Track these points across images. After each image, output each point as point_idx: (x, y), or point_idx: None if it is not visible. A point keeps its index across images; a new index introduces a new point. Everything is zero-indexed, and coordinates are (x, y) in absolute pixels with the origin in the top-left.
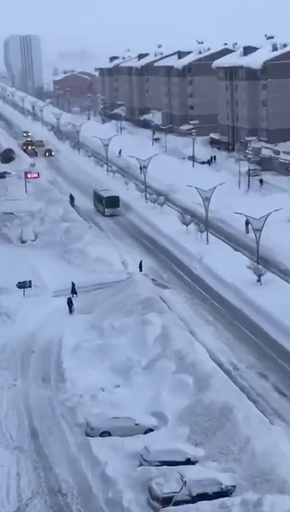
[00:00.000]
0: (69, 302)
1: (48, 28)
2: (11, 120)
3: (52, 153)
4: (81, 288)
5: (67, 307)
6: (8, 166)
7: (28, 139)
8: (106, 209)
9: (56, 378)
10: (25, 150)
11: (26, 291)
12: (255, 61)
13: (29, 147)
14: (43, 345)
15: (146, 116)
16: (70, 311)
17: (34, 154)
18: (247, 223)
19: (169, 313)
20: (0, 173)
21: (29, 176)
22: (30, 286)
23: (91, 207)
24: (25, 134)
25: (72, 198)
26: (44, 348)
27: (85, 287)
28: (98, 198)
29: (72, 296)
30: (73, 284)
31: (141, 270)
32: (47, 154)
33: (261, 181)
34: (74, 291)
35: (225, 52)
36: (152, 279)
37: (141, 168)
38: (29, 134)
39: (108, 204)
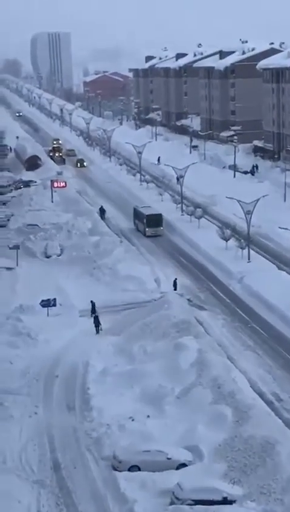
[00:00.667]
0: (96, 322)
1: (79, 24)
2: (37, 124)
3: (85, 164)
4: (110, 308)
5: (93, 327)
6: (34, 175)
7: (55, 145)
8: (147, 229)
9: (81, 406)
10: (51, 157)
11: (50, 310)
12: None
13: (57, 154)
14: (68, 369)
15: (184, 122)
16: (97, 331)
17: (61, 161)
18: None
19: (206, 337)
20: (25, 182)
21: (55, 185)
22: (54, 305)
23: (123, 220)
24: (55, 143)
25: (102, 210)
26: (68, 372)
27: (114, 306)
28: (138, 216)
29: (93, 316)
30: (93, 304)
31: (175, 289)
32: (79, 165)
33: None
34: (94, 312)
35: (271, 52)
36: (188, 299)
37: (177, 178)
38: (60, 142)
39: (149, 223)
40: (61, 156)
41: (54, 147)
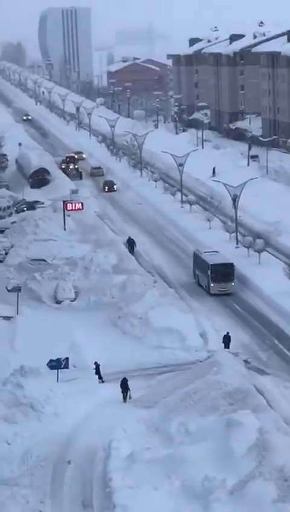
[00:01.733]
0: (124, 386)
1: None
2: (46, 128)
3: (115, 187)
4: (141, 371)
5: (118, 395)
6: (41, 193)
7: (69, 154)
8: (212, 284)
9: (101, 503)
10: (64, 170)
11: (61, 373)
12: None
13: (71, 166)
14: (83, 453)
15: (240, 124)
16: (125, 399)
17: (77, 175)
18: None
19: (269, 412)
20: (29, 203)
21: (69, 207)
22: (67, 366)
23: (157, 253)
24: (77, 156)
25: (131, 242)
26: (84, 457)
27: (146, 369)
28: (199, 264)
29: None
30: (97, 366)
31: (227, 347)
32: (106, 189)
33: None
34: (99, 377)
35: None
36: (245, 361)
37: (233, 199)
38: (84, 156)
39: (216, 276)
40: (77, 169)
41: (67, 157)
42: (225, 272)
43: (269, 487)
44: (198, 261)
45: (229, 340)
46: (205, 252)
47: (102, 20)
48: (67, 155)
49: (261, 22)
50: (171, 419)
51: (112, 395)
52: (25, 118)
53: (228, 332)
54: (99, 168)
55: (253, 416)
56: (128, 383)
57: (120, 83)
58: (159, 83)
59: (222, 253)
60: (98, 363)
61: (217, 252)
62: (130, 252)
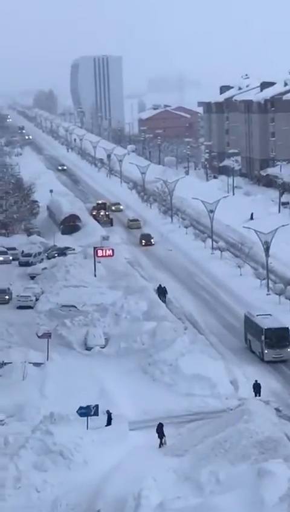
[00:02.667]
0: (160, 431)
1: (131, 48)
2: (77, 174)
3: (152, 241)
4: (171, 419)
5: (148, 443)
6: (71, 240)
7: (100, 201)
8: (266, 351)
9: None
10: (95, 217)
11: (91, 420)
12: None
13: (102, 213)
14: (113, 502)
15: (271, 171)
16: (161, 444)
17: (108, 222)
18: None
19: None
20: (60, 249)
21: (100, 253)
22: (97, 414)
23: (188, 300)
24: (114, 208)
25: (162, 290)
26: (114, 506)
27: (176, 416)
28: (251, 328)
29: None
30: (109, 414)
31: (259, 395)
32: (144, 242)
33: None
34: (109, 424)
35: None
36: (276, 409)
37: (265, 246)
38: (121, 207)
39: (271, 341)
40: (108, 216)
41: (98, 204)
42: (280, 337)
43: None
44: (250, 325)
45: (260, 388)
46: (258, 315)
47: (133, 68)
48: (98, 202)
49: None
50: (202, 467)
51: (142, 442)
52: (60, 168)
53: (256, 380)
54: (137, 220)
55: (285, 466)
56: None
57: (151, 130)
58: (190, 129)
59: (274, 316)
60: (110, 411)
61: (270, 315)
62: (161, 300)
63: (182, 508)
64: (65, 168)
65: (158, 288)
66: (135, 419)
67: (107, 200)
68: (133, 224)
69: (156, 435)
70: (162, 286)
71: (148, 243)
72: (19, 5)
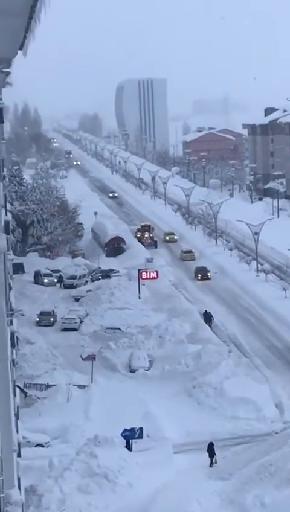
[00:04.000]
0: (211, 451)
1: (176, 70)
2: (121, 197)
3: (209, 275)
4: (216, 442)
5: (193, 466)
6: (116, 262)
7: (144, 223)
8: None
9: None
10: (139, 239)
11: (135, 443)
12: None
13: (146, 235)
14: None
15: None
16: (211, 463)
17: (152, 244)
18: None
19: None
20: (104, 271)
21: (144, 275)
22: (141, 436)
23: (233, 323)
24: (168, 238)
25: (208, 316)
26: None
27: (221, 440)
28: None
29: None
30: (128, 440)
31: None
32: (199, 276)
33: None
34: (128, 447)
35: None
36: None
37: None
38: (175, 237)
39: None
40: (152, 238)
41: (142, 226)
42: None
43: None
44: None
45: None
46: None
47: (178, 91)
48: (143, 224)
49: None
50: (247, 491)
51: (186, 465)
52: (111, 195)
53: None
54: (191, 251)
55: None
56: (202, 455)
57: (196, 152)
58: (235, 152)
59: None
60: (129, 432)
61: None
62: (207, 325)
63: None
64: (116, 195)
65: (204, 314)
66: (179, 442)
67: (152, 222)
68: (187, 256)
69: (207, 454)
70: (208, 312)
71: (205, 277)
72: (62, 28)
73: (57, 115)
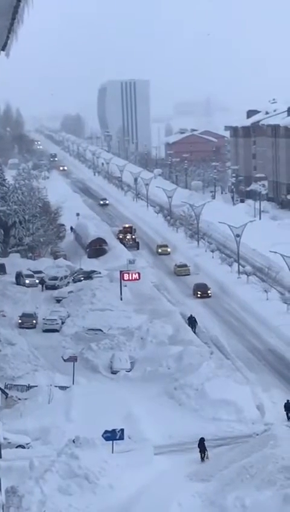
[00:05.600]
0: (201, 447)
1: (158, 72)
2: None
3: (209, 293)
4: (196, 444)
5: (174, 468)
6: (98, 263)
7: (126, 225)
8: None
9: None
10: (121, 240)
11: (116, 444)
12: None
13: (128, 236)
14: None
15: None
16: (202, 458)
17: (134, 246)
18: None
19: None
20: (86, 272)
21: (126, 277)
22: (122, 438)
23: (215, 324)
24: (160, 250)
25: (192, 321)
26: None
27: None
28: None
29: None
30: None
31: (288, 419)
32: (199, 294)
33: None
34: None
35: None
36: None
37: None
38: (169, 249)
39: None
40: (134, 239)
41: (124, 228)
42: None
43: None
44: None
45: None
46: None
47: (160, 92)
48: (125, 225)
49: None
50: (227, 493)
51: (167, 467)
52: (102, 202)
53: (288, 400)
54: (186, 266)
55: None
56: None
57: (178, 154)
58: (217, 154)
59: None
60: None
61: None
62: (192, 330)
63: None
64: (107, 202)
65: (189, 318)
66: (160, 444)
67: (134, 224)
68: (181, 271)
69: (198, 449)
70: (193, 316)
71: (205, 295)
72: (45, 29)
73: (40, 115)
